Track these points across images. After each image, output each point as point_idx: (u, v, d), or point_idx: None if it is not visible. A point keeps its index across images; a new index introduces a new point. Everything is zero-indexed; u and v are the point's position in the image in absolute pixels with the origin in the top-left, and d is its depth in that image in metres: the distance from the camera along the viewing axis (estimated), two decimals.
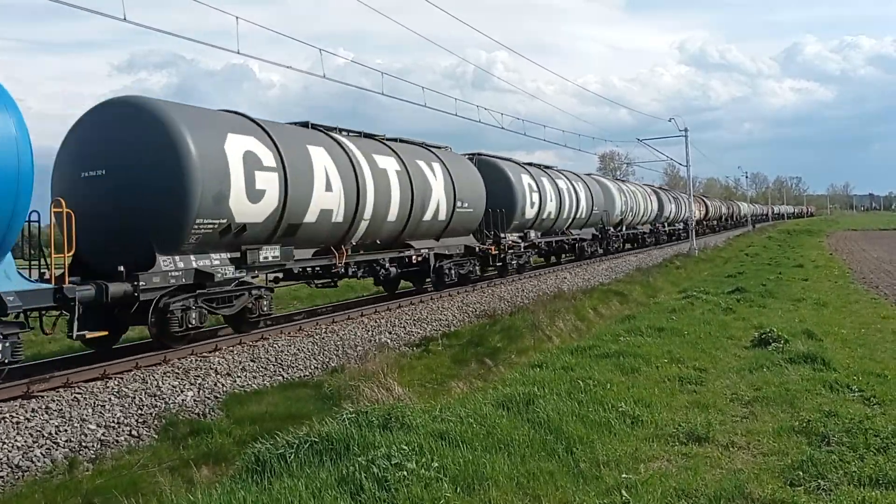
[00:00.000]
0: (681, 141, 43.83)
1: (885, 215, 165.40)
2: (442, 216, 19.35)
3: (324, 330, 14.25)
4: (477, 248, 21.81)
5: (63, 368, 10.75)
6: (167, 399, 9.62)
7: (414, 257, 18.42)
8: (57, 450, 7.92)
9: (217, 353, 11.95)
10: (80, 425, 8.49)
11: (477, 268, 22.19)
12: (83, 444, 8.16)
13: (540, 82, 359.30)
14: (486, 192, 21.89)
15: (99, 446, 8.20)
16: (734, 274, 25.86)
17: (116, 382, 9.95)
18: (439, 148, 21.04)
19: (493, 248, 22.63)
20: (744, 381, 9.40)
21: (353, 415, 6.93)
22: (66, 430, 8.32)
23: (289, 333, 13.72)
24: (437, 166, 19.43)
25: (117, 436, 8.49)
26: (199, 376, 10.58)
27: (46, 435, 8.14)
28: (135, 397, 9.49)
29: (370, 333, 14.40)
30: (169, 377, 10.37)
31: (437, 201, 18.96)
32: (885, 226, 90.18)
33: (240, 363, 11.46)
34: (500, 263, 23.82)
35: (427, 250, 19.02)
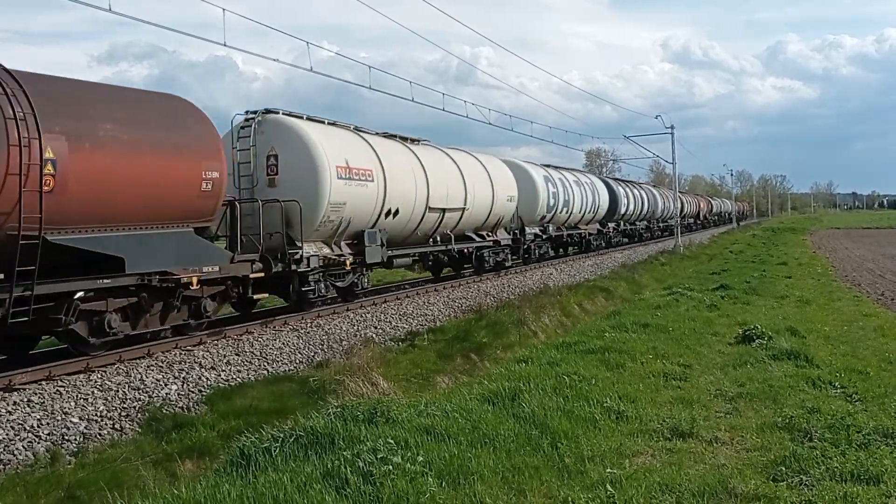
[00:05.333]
0: (666, 138, 44.06)
1: (868, 214, 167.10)
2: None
3: (309, 324, 14.19)
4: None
5: (45, 361, 10.64)
6: (151, 392, 9.55)
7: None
8: (39, 443, 7.84)
9: (201, 346, 11.88)
10: (63, 418, 8.42)
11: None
12: (66, 437, 8.08)
13: (524, 78, 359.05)
14: None
15: (81, 439, 8.13)
16: (718, 271, 26.05)
17: (99, 375, 9.87)
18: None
19: None
20: (728, 377, 9.47)
21: (339, 409, 6.92)
22: (48, 424, 8.24)
23: (274, 327, 13.65)
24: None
25: (100, 429, 8.42)
26: (183, 370, 10.51)
27: (28, 428, 8.06)
28: (118, 390, 9.41)
29: (355, 328, 14.37)
30: (153, 370, 10.30)
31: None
32: (867, 224, 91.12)
33: (224, 357, 11.40)
34: None
35: None
